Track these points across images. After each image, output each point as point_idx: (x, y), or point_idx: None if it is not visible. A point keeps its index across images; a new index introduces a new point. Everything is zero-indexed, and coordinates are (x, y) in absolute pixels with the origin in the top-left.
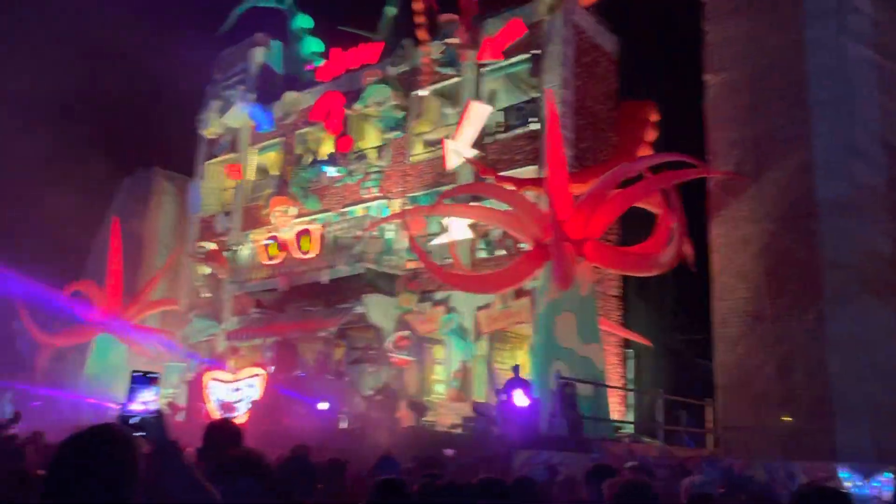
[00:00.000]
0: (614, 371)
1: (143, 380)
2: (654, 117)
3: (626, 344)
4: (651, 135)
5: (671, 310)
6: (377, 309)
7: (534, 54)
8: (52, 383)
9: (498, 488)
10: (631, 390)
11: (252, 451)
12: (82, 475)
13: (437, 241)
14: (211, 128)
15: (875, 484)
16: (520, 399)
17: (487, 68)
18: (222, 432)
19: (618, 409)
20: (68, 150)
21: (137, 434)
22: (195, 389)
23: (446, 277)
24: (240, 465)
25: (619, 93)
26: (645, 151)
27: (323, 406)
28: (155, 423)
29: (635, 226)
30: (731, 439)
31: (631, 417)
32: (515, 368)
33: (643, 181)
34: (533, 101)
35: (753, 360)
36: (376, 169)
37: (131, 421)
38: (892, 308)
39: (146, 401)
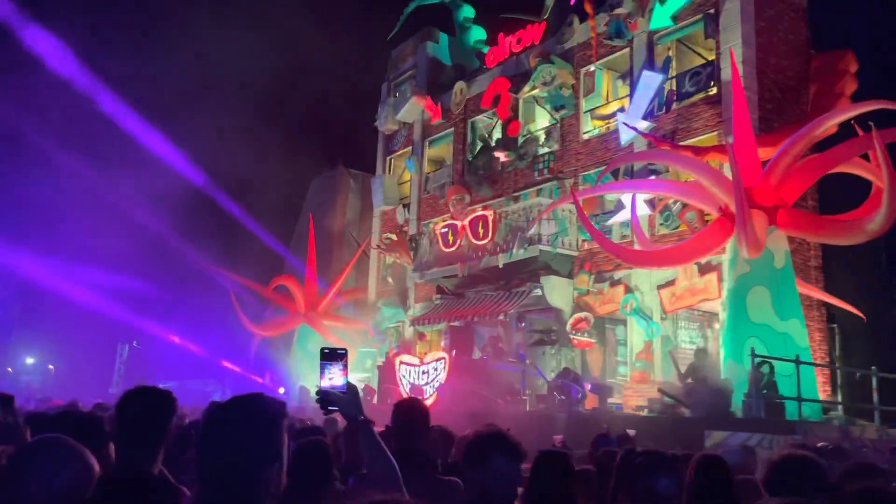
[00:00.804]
0: (818, 348)
1: (333, 356)
2: (853, 67)
3: (831, 318)
4: (851, 87)
5: (885, 280)
6: (555, 291)
7: (707, 14)
8: (263, 370)
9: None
10: (840, 368)
11: (502, 430)
12: (218, 440)
13: (613, 219)
14: (387, 124)
15: None
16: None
17: (658, 35)
18: (410, 412)
19: (824, 389)
20: (263, 156)
21: (332, 409)
22: (387, 372)
23: (625, 255)
24: (495, 444)
25: (810, 45)
26: (844, 106)
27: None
28: (347, 398)
29: (836, 191)
30: None
31: (840, 398)
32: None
33: (847, 142)
34: (710, 64)
35: None
36: (547, 150)
37: (326, 397)
38: None
39: (333, 376)
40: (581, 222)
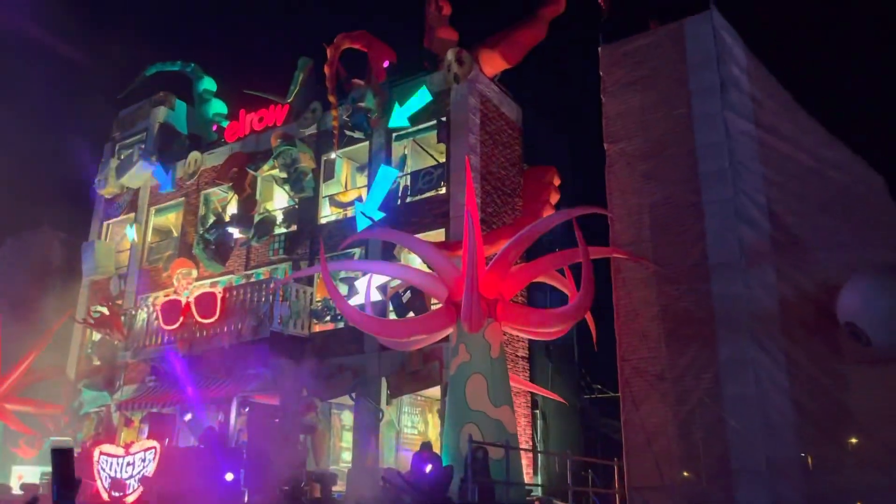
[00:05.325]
0: (523, 433)
1: None
2: (556, 181)
3: (535, 405)
4: (554, 198)
5: (578, 371)
6: (283, 375)
7: (440, 121)
8: None
9: None
10: (541, 452)
11: None
12: None
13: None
14: (108, 187)
15: None
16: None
17: (396, 133)
18: None
19: (528, 471)
20: None
21: None
22: (83, 465)
23: (360, 321)
24: None
25: (522, 159)
26: (549, 213)
27: (228, 477)
28: None
29: (540, 297)
30: (638, 499)
31: (540, 480)
32: (424, 445)
33: (554, 254)
34: (440, 165)
35: (657, 420)
36: (284, 230)
37: None
38: (782, 366)
39: None
40: (325, 286)
